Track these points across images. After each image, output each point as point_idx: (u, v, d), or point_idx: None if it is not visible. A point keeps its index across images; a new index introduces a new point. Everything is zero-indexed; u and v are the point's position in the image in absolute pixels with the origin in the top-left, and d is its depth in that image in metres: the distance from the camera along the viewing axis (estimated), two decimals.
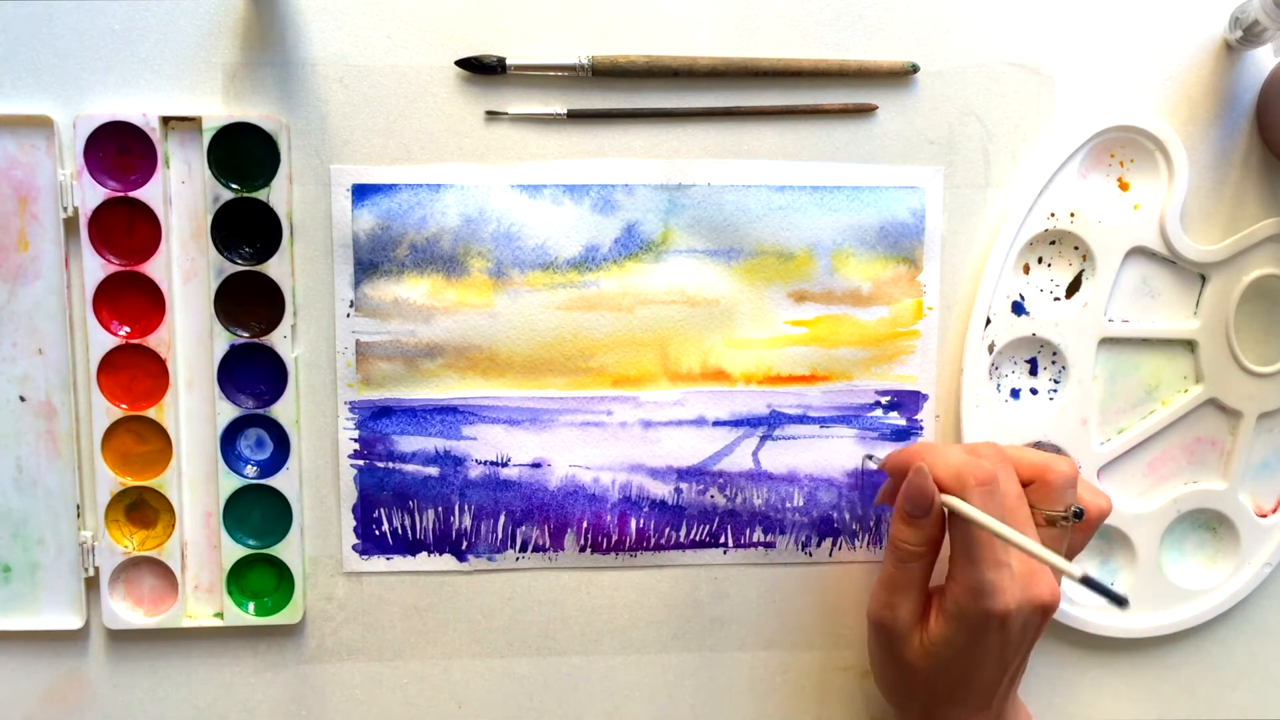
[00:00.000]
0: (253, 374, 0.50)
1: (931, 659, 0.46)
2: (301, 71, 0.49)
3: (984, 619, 0.44)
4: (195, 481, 0.51)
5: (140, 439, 0.50)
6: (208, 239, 0.49)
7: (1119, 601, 0.38)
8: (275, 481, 0.51)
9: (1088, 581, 0.37)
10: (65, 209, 0.49)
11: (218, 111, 0.49)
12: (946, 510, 0.44)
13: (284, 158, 0.49)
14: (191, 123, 0.49)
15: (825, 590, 0.53)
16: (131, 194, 0.49)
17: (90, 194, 0.48)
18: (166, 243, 0.49)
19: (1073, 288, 0.52)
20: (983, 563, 0.43)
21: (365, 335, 0.50)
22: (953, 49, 0.51)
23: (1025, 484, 0.46)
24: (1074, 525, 0.45)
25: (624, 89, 0.50)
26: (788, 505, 0.53)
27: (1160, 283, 0.53)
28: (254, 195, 0.49)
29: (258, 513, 0.51)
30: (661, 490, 0.52)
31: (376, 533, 0.52)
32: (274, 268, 0.49)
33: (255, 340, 0.50)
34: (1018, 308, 0.52)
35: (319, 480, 0.51)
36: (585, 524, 0.52)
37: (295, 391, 0.50)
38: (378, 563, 0.52)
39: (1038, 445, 0.53)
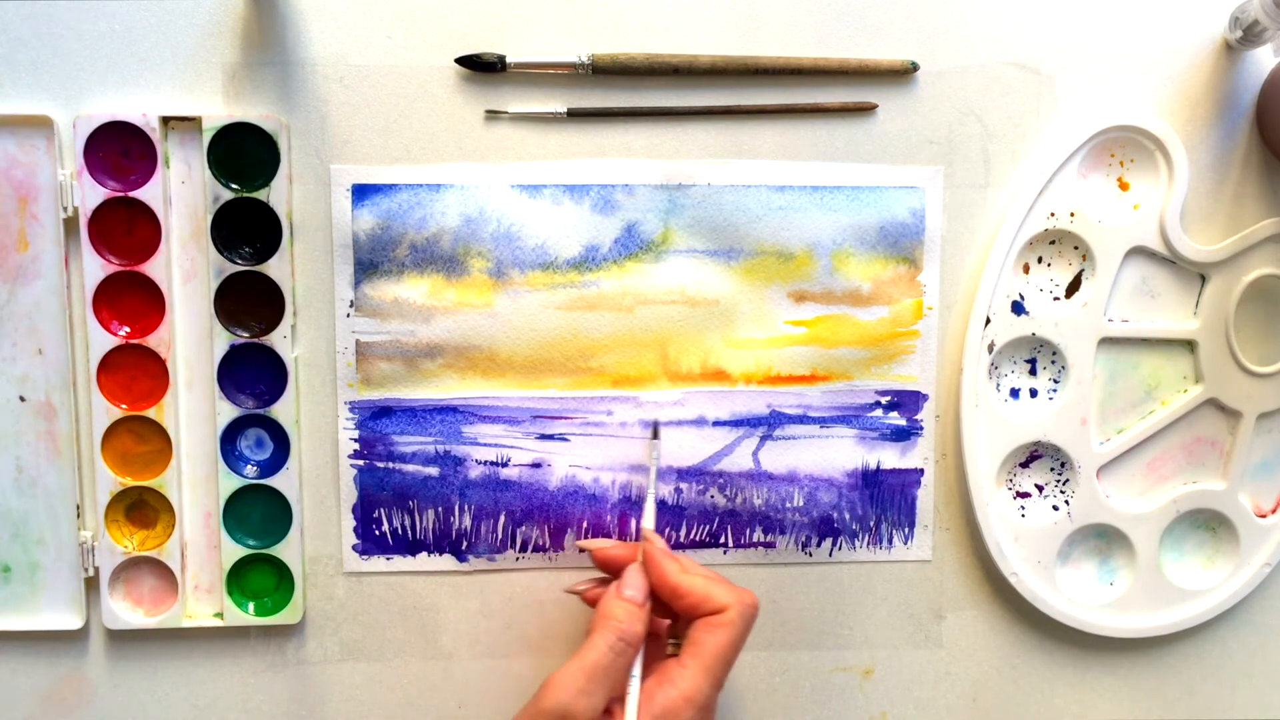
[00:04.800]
0: (253, 374, 0.50)
1: None
2: (301, 71, 0.49)
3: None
4: (195, 481, 0.51)
5: (140, 439, 0.50)
6: (208, 239, 0.49)
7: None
8: (275, 481, 0.51)
9: None
10: (65, 209, 0.49)
11: (218, 111, 0.49)
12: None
13: (284, 158, 0.49)
14: (191, 123, 0.49)
15: (825, 590, 0.53)
16: (131, 194, 0.49)
17: (90, 194, 0.48)
18: (166, 243, 0.49)
19: (1072, 287, 0.52)
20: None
21: (365, 335, 0.50)
22: (953, 49, 0.51)
23: None
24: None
25: (624, 87, 0.50)
26: (788, 505, 0.53)
27: (1160, 283, 0.53)
28: (254, 195, 0.49)
29: (258, 513, 0.51)
30: (661, 490, 0.52)
31: (376, 533, 0.52)
32: (274, 268, 0.49)
33: (255, 340, 0.50)
34: (1017, 307, 0.52)
35: (319, 480, 0.51)
36: (585, 524, 0.52)
37: (295, 391, 0.50)
38: (378, 563, 0.52)
39: (1037, 445, 0.53)
